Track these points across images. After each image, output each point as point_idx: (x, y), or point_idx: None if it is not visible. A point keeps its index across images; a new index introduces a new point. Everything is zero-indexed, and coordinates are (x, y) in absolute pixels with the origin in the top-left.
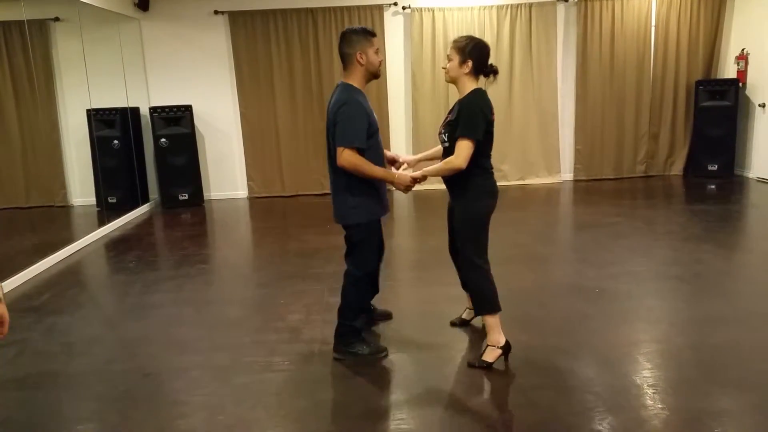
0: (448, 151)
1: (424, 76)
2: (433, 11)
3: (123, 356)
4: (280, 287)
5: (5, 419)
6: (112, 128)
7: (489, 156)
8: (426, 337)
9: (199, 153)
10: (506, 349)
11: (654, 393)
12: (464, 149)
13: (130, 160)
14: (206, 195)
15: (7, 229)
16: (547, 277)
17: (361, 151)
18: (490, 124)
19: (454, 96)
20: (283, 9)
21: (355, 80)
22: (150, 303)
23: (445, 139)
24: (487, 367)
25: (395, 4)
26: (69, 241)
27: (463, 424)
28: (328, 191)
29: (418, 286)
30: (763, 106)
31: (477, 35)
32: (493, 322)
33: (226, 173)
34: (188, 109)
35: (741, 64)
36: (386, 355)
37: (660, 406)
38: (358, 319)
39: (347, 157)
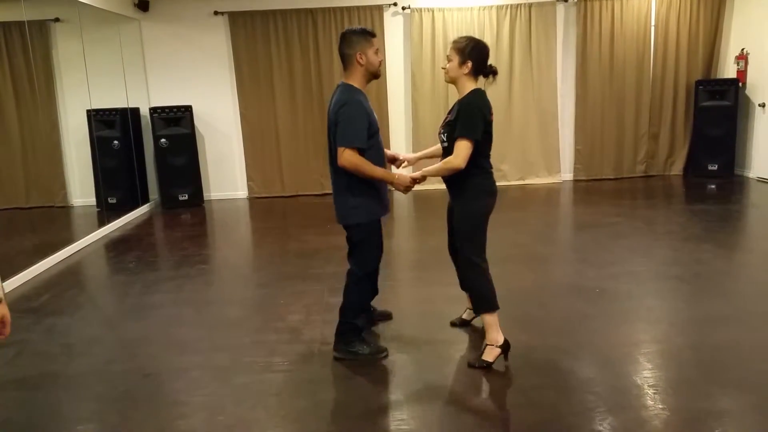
0: (447, 151)
1: (423, 77)
2: (433, 11)
3: (123, 357)
4: (280, 287)
5: (5, 420)
6: (112, 129)
7: (488, 156)
8: (426, 338)
9: (199, 153)
10: (505, 347)
11: (654, 393)
12: (463, 149)
13: (130, 161)
14: (206, 195)
15: (7, 230)
16: (547, 277)
17: (361, 151)
18: (488, 124)
19: (454, 96)
20: (282, 9)
21: (356, 80)
22: (150, 303)
23: (444, 139)
24: (487, 366)
25: (395, 4)
26: (69, 241)
27: (463, 424)
28: (328, 191)
29: (418, 286)
30: (762, 105)
31: (477, 35)
32: (491, 320)
33: (226, 173)
34: (188, 109)
35: (741, 63)
36: (386, 356)
37: (660, 406)
38: (359, 318)
39: (348, 157)
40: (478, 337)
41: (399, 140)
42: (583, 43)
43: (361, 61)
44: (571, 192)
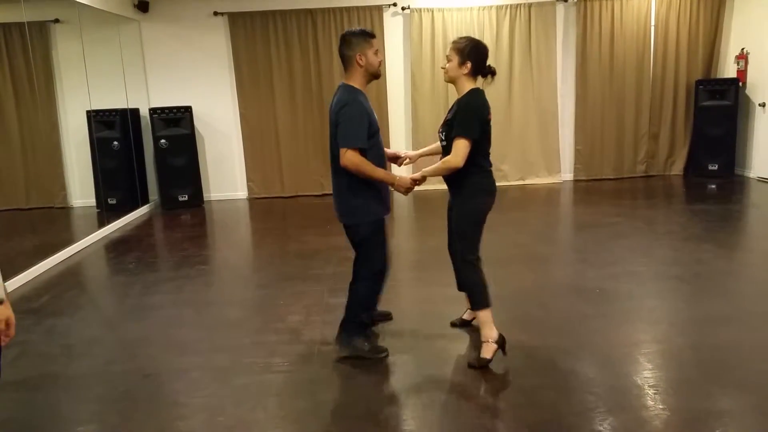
0: (446, 150)
1: (423, 77)
2: (433, 12)
3: (123, 357)
4: (280, 288)
5: (5, 420)
6: (111, 129)
7: (487, 155)
8: (426, 338)
9: (198, 154)
10: (501, 342)
11: (655, 393)
12: (461, 148)
13: (129, 162)
14: (206, 196)
15: (7, 231)
16: (548, 277)
17: (362, 152)
18: (486, 123)
19: (454, 96)
20: (282, 10)
21: (356, 81)
22: (150, 304)
23: (443, 138)
24: (486, 363)
25: (395, 4)
26: (69, 242)
27: (464, 424)
28: (328, 192)
29: (418, 286)
30: (763, 105)
31: (476, 36)
32: (485, 316)
33: (225, 174)
34: (188, 110)
35: (741, 63)
36: (386, 356)
37: (661, 406)
38: (364, 315)
39: (350, 157)
40: (479, 337)
41: (399, 140)
42: (583, 43)
43: (360, 62)
44: (572, 192)
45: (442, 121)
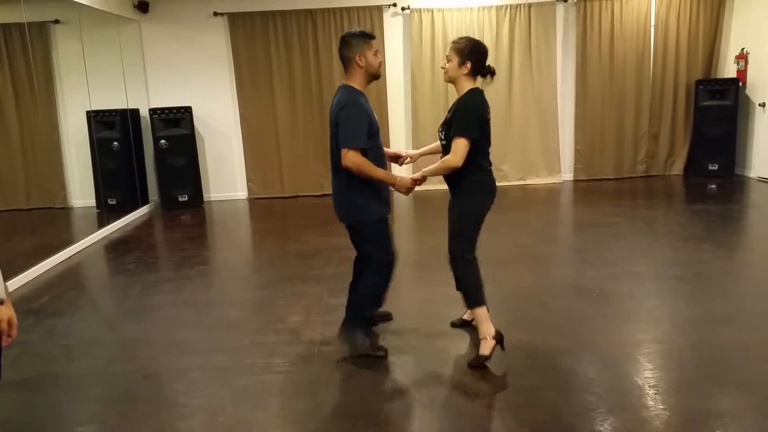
0: (446, 149)
1: (423, 77)
2: (433, 12)
3: (123, 358)
4: (280, 288)
5: (6, 421)
6: (111, 130)
7: (487, 154)
8: (426, 338)
9: (198, 154)
10: (498, 338)
11: (655, 393)
12: (460, 147)
13: (129, 162)
14: (206, 196)
15: (6, 231)
16: (548, 277)
17: (363, 152)
18: (485, 122)
19: (454, 96)
20: (282, 10)
21: (356, 82)
22: (150, 304)
23: (443, 138)
24: (485, 360)
25: (394, 5)
26: (69, 242)
27: (464, 424)
28: (328, 192)
29: (418, 286)
30: (763, 105)
31: (476, 36)
32: (481, 314)
33: (225, 174)
34: (188, 110)
35: (741, 63)
36: (385, 356)
37: (661, 406)
38: (371, 309)
39: (351, 158)
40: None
41: (399, 140)
42: (583, 43)
43: (360, 63)
44: (572, 192)
45: (441, 121)
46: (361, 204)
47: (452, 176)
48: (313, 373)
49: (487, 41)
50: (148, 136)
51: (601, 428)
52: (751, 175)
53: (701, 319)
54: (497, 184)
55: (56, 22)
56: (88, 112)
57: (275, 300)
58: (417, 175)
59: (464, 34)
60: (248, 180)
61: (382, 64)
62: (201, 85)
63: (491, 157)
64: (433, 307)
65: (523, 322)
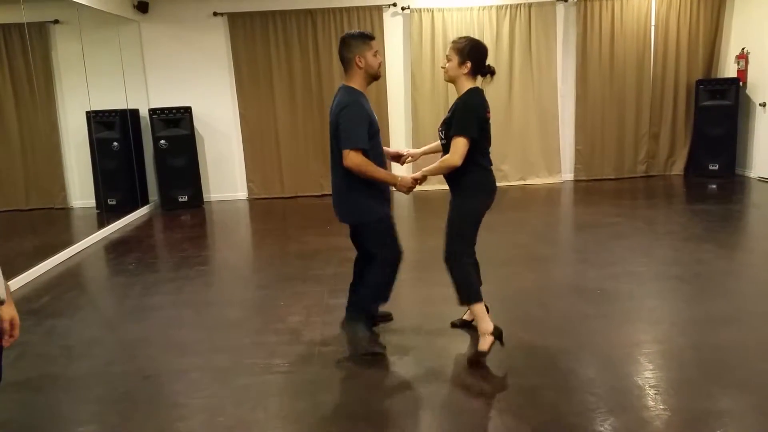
0: (446, 149)
1: (423, 77)
2: (433, 12)
3: (123, 358)
4: (280, 289)
5: (6, 421)
6: (111, 130)
7: (486, 153)
8: (426, 338)
9: (198, 154)
10: (497, 334)
11: (656, 394)
12: (459, 147)
13: (129, 162)
14: (206, 196)
15: (6, 232)
16: (548, 277)
17: (364, 153)
18: (484, 121)
19: (454, 96)
20: (282, 10)
21: (356, 83)
22: (150, 305)
23: (443, 137)
24: (484, 356)
25: (394, 4)
26: (69, 243)
27: (464, 424)
28: (328, 192)
29: (418, 287)
30: (763, 105)
31: (476, 36)
32: (479, 311)
33: (225, 175)
34: (188, 110)
35: (741, 63)
36: (384, 353)
37: (662, 406)
38: (376, 303)
39: (353, 158)
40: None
41: (399, 140)
42: (583, 43)
43: (360, 64)
44: (572, 192)
45: (441, 121)
46: (363, 204)
47: (452, 175)
48: (313, 374)
49: (487, 41)
50: (148, 136)
51: (602, 428)
52: (752, 175)
53: (702, 319)
54: (497, 184)
55: (56, 22)
56: (87, 113)
57: (275, 300)
58: (417, 174)
59: (464, 34)
60: (248, 180)
61: (381, 64)
62: (201, 85)
63: (492, 157)
64: (433, 307)
65: (524, 322)
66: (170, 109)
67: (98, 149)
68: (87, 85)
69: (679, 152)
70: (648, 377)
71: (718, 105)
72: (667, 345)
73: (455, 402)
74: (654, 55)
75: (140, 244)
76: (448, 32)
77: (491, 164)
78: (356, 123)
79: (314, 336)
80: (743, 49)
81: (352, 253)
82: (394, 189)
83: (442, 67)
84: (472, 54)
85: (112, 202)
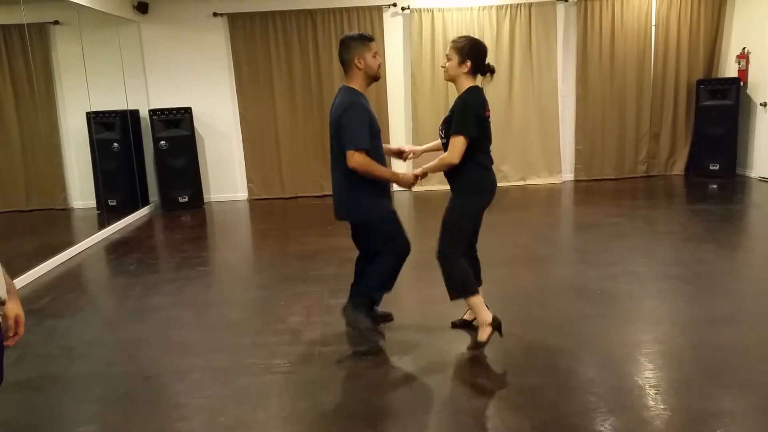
0: (446, 147)
1: (423, 77)
2: (433, 12)
3: (123, 359)
4: (280, 289)
5: (6, 422)
6: (111, 131)
7: (486, 151)
8: (427, 338)
9: (198, 155)
10: (496, 324)
11: (656, 393)
12: (457, 145)
13: (130, 163)
14: (206, 197)
15: (7, 233)
16: (548, 277)
17: (366, 153)
18: (484, 120)
19: (454, 96)
20: (282, 11)
21: (356, 84)
22: (150, 305)
23: (443, 136)
24: (482, 346)
25: (394, 5)
26: (69, 244)
27: (464, 424)
28: (328, 193)
29: (419, 287)
30: (764, 105)
31: (476, 35)
32: (475, 303)
33: (225, 175)
34: (188, 111)
35: (742, 63)
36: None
37: (662, 406)
38: (380, 291)
39: (357, 159)
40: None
41: (399, 140)
42: (584, 43)
43: (359, 65)
44: (572, 192)
45: (442, 120)
46: (366, 202)
47: (452, 173)
48: (313, 374)
49: (488, 41)
50: (148, 137)
51: (602, 428)
52: (753, 174)
53: (702, 319)
54: (498, 184)
55: (56, 23)
56: (88, 113)
57: (276, 301)
58: (418, 171)
59: (464, 34)
60: (248, 181)
61: (381, 65)
62: (201, 85)
63: (492, 156)
64: (433, 307)
65: (524, 322)
66: (170, 110)
67: (98, 150)
68: (87, 86)
69: (679, 152)
70: (648, 377)
71: (718, 105)
72: (667, 345)
73: (455, 402)
74: (654, 55)
75: (141, 244)
76: (448, 32)
77: (492, 163)
78: (358, 124)
79: (314, 336)
80: (744, 48)
81: (353, 254)
82: (397, 185)
83: (442, 67)
84: (471, 53)
85: (112, 202)
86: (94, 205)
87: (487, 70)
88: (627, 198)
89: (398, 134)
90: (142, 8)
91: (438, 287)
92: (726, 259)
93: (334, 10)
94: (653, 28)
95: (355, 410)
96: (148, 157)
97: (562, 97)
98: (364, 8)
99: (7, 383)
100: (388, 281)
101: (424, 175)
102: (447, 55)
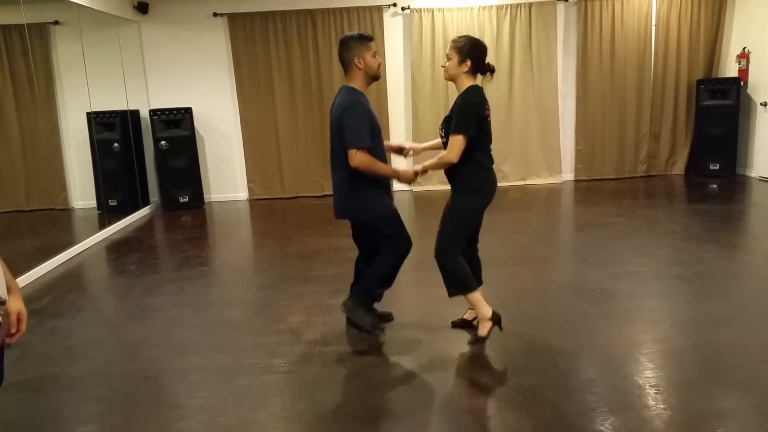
0: (446, 146)
1: (423, 77)
2: (433, 12)
3: (124, 359)
4: (281, 289)
5: (7, 422)
6: (112, 131)
7: (486, 150)
8: (427, 338)
9: (199, 155)
10: (495, 319)
11: (656, 393)
12: (456, 144)
13: (130, 163)
14: (206, 197)
15: (8, 233)
16: (548, 277)
17: (368, 151)
18: (483, 119)
19: (454, 96)
20: (282, 11)
21: (356, 83)
22: (151, 305)
23: (443, 135)
24: (483, 340)
25: (394, 5)
26: (70, 244)
27: (464, 424)
28: (328, 193)
29: (419, 287)
30: (764, 104)
31: (476, 35)
32: (474, 299)
33: (226, 175)
34: (188, 111)
35: (742, 62)
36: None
37: (662, 406)
38: (381, 288)
39: (360, 157)
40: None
41: (399, 140)
42: (584, 43)
43: (359, 65)
44: (572, 192)
45: (442, 119)
46: (368, 201)
47: (452, 173)
48: (314, 374)
49: (488, 41)
50: (149, 137)
51: (602, 428)
52: (753, 174)
53: (702, 319)
54: (498, 184)
55: (56, 23)
56: (88, 114)
57: (276, 301)
58: (418, 167)
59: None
60: (249, 181)
61: (381, 65)
62: (201, 86)
63: (493, 156)
64: (433, 307)
65: (524, 322)
66: (170, 110)
67: (99, 150)
68: (87, 86)
69: (679, 152)
70: (648, 377)
71: (719, 104)
72: (667, 345)
73: (456, 402)
74: (655, 55)
75: (141, 244)
76: (448, 32)
77: (492, 162)
78: (359, 123)
79: (315, 336)
80: (744, 48)
81: (353, 254)
82: (398, 181)
83: (443, 66)
84: (471, 52)
85: (113, 202)
86: (95, 205)
87: (487, 70)
88: (627, 198)
89: (398, 134)
90: (142, 8)
91: (438, 287)
92: (726, 259)
93: (334, 10)
94: (653, 27)
95: (356, 410)
96: (148, 157)
97: (562, 97)
98: (364, 8)
99: (7, 383)
100: (388, 279)
101: (423, 171)
102: (447, 54)
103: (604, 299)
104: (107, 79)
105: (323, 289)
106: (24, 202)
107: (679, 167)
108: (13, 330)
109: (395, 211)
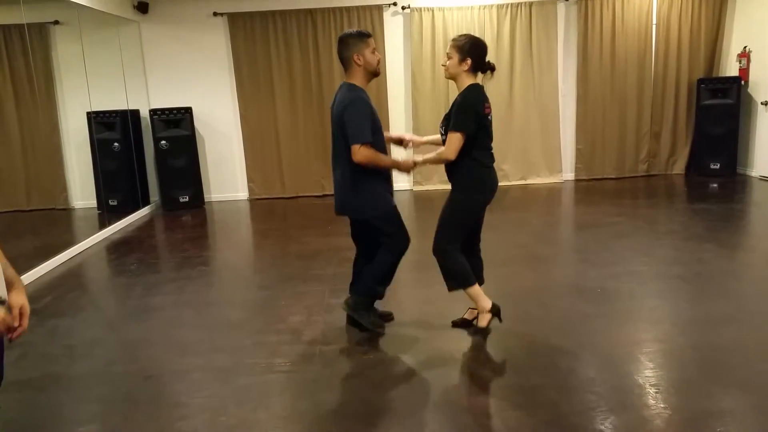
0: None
1: (424, 76)
2: (433, 11)
3: (124, 358)
4: (281, 289)
5: (8, 421)
6: (112, 131)
7: (486, 148)
8: (427, 338)
9: (199, 155)
10: (495, 311)
11: (656, 393)
12: (453, 141)
13: (130, 163)
14: (207, 197)
15: (8, 232)
16: (549, 277)
17: (370, 146)
18: (483, 117)
19: (454, 95)
20: (282, 10)
21: (357, 80)
22: (151, 305)
23: (443, 132)
24: (483, 331)
25: (395, 4)
26: (70, 243)
27: (464, 424)
28: (329, 192)
29: (419, 287)
30: (765, 104)
31: (477, 35)
32: (473, 292)
33: (226, 175)
34: (188, 111)
35: (743, 61)
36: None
37: (662, 405)
38: (381, 286)
39: (363, 152)
40: (481, 336)
41: None
42: (584, 42)
43: (358, 61)
44: (573, 192)
45: (442, 117)
46: (369, 199)
47: (452, 170)
48: (314, 373)
49: (488, 40)
50: (149, 136)
51: (602, 427)
52: (753, 174)
53: (702, 319)
54: (498, 183)
55: (56, 23)
56: (88, 113)
57: (276, 300)
58: (417, 157)
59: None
60: (249, 180)
61: (380, 61)
62: (201, 85)
63: (493, 155)
64: (433, 307)
65: (524, 321)
66: (171, 110)
67: (99, 150)
68: (87, 86)
69: (680, 151)
70: (648, 376)
71: (719, 104)
72: (667, 344)
73: (456, 401)
74: (655, 54)
75: (141, 244)
76: (448, 31)
77: (493, 161)
78: (361, 119)
79: (315, 335)
80: (745, 47)
81: (353, 253)
82: (398, 171)
83: (443, 65)
84: (472, 51)
85: (113, 202)
86: (95, 205)
87: (488, 68)
88: (627, 197)
89: (399, 132)
90: (142, 8)
91: (438, 286)
92: (726, 259)
93: (334, 9)
94: (654, 27)
95: (356, 409)
96: (148, 156)
97: (562, 97)
98: (364, 7)
99: (8, 382)
100: (387, 277)
101: (422, 162)
102: (447, 53)
103: (604, 299)
104: (107, 79)
105: (323, 289)
106: (24, 202)
107: (679, 166)
108: (16, 324)
109: (395, 208)
